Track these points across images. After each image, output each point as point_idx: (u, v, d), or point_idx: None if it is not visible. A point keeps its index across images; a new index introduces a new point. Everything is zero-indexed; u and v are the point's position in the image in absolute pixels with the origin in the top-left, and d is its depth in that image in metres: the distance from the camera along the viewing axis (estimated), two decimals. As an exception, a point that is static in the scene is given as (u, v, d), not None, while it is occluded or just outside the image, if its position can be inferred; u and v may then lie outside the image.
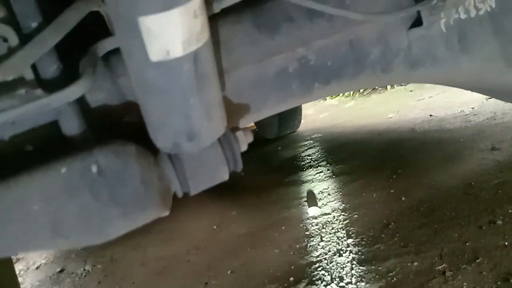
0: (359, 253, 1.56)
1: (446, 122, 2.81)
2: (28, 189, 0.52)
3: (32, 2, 0.57)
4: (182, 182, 0.61)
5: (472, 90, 0.99)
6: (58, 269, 2.52)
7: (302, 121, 4.20)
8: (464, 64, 0.81)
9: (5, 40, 0.56)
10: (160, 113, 0.54)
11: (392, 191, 1.99)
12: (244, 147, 0.64)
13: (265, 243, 1.92)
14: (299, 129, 4.22)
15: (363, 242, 1.62)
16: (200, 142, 0.58)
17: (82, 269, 2.41)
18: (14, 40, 0.55)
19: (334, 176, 2.52)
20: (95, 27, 0.64)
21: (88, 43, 0.62)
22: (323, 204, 2.14)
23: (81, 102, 0.60)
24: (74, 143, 0.58)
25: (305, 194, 2.36)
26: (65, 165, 0.53)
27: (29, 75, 0.56)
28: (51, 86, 0.57)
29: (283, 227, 2.01)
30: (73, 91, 0.53)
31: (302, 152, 3.38)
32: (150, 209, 0.56)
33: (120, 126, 0.64)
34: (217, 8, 0.63)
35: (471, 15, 0.79)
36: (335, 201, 2.12)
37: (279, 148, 3.81)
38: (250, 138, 0.64)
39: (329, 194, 2.25)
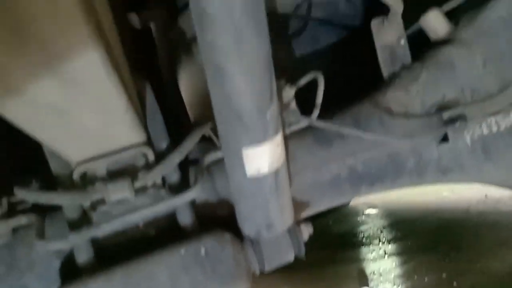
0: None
1: (502, 203, 2.79)
2: (159, 263, 0.74)
3: (163, 131, 0.84)
4: (260, 261, 0.81)
5: (502, 187, 1.13)
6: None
7: (355, 194, 4.24)
8: (489, 170, 0.97)
9: (145, 156, 0.82)
10: (249, 210, 0.77)
11: (444, 275, 2.01)
12: (306, 237, 0.85)
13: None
14: (351, 201, 4.27)
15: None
16: (275, 231, 0.79)
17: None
18: (151, 157, 0.81)
19: (386, 257, 2.56)
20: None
21: None
22: (374, 285, 2.18)
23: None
24: (186, 231, 0.81)
25: (356, 273, 2.41)
26: (183, 248, 0.76)
27: (159, 181, 0.82)
28: (173, 189, 0.82)
29: (334, 306, 2.08)
30: (191, 194, 0.78)
31: (354, 228, 3.43)
32: (239, 281, 0.77)
33: (214, 218, 0.86)
34: (288, 132, 0.88)
35: (493, 130, 0.96)
36: (386, 283, 2.16)
37: (330, 222, 3.88)
38: (310, 230, 0.85)
39: (380, 275, 2.29)
